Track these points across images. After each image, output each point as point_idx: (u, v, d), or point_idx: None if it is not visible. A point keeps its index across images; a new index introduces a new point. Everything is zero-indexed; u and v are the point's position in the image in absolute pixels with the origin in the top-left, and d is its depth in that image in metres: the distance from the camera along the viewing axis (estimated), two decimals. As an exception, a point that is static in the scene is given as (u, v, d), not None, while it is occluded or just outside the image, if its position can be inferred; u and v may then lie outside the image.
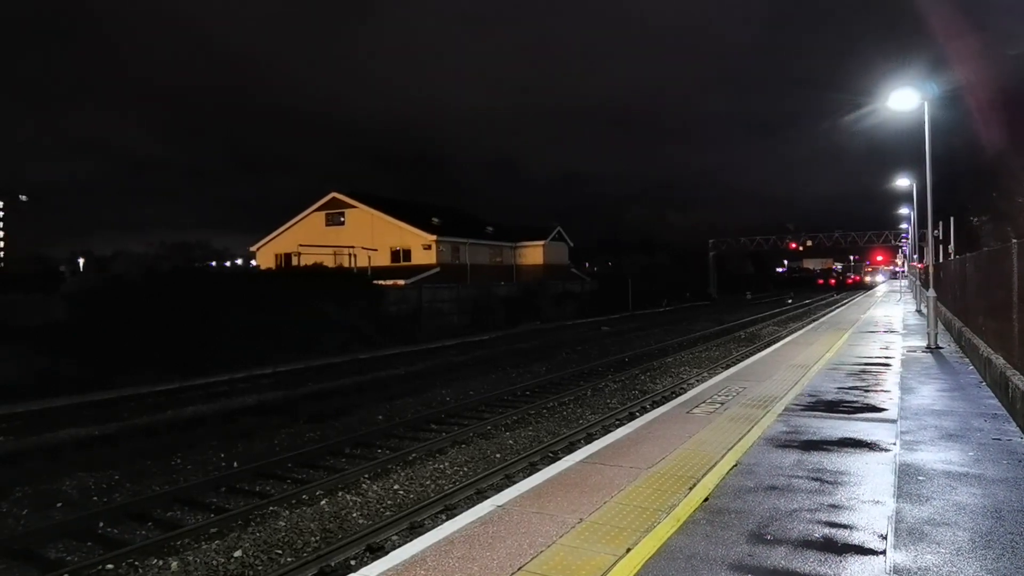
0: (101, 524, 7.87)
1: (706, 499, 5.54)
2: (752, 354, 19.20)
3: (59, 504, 8.73)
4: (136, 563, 6.74)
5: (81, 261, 77.90)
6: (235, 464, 10.33)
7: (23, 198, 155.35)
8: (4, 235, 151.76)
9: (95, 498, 8.96)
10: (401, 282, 35.97)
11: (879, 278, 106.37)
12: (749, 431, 7.85)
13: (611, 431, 9.31)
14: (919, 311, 28.31)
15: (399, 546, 5.24)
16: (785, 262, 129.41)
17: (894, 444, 7.14)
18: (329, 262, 35.74)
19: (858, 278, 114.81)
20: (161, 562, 6.76)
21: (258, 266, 46.76)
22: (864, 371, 12.56)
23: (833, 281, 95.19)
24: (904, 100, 15.46)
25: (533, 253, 53.94)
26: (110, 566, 6.65)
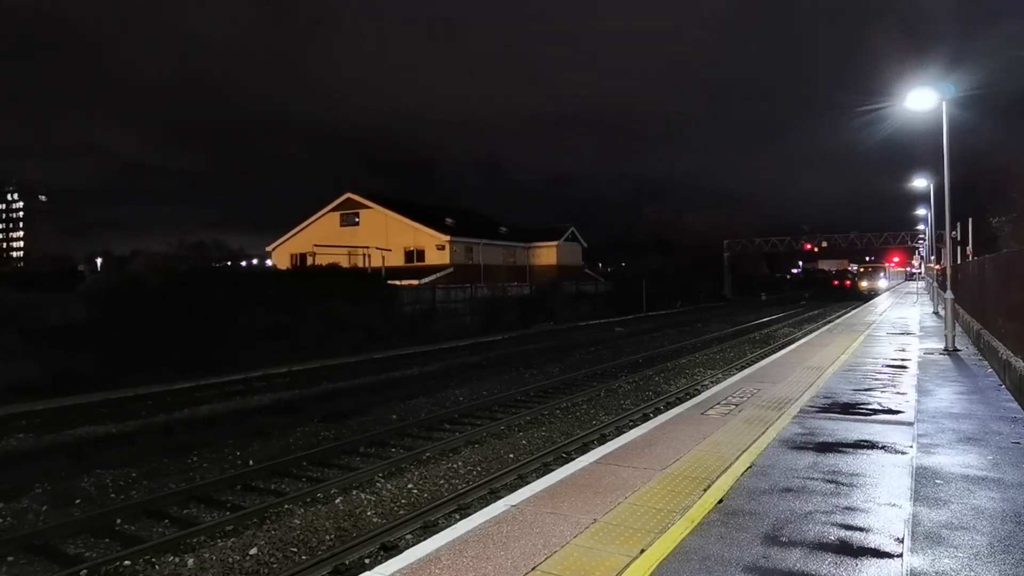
0: (119, 521, 7.96)
1: (720, 500, 5.52)
2: (767, 355, 19.08)
3: (77, 501, 8.85)
4: (153, 560, 6.81)
5: (99, 261, 78.70)
6: (250, 462, 10.41)
7: (43, 198, 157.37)
8: (24, 234, 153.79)
9: (113, 495, 9.07)
10: (415, 282, 36.09)
11: (881, 283, 72.90)
12: (764, 433, 7.81)
13: (625, 432, 9.30)
14: (936, 313, 28.00)
15: (413, 545, 5.26)
16: (800, 263, 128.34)
17: (911, 447, 7.08)
18: (344, 262, 35.93)
19: (848, 283, 79.50)
20: (178, 559, 6.83)
21: (274, 266, 47.09)
22: (880, 373, 12.45)
23: (848, 283, 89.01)
24: (922, 100, 15.31)
25: (546, 253, 53.92)
26: (127, 562, 6.73)
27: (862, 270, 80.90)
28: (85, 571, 6.53)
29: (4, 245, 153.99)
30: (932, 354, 15.04)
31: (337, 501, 8.37)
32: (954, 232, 23.21)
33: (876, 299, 50.20)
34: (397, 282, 32.64)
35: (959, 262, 24.44)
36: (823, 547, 4.57)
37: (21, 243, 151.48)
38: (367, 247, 41.12)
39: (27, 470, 9.98)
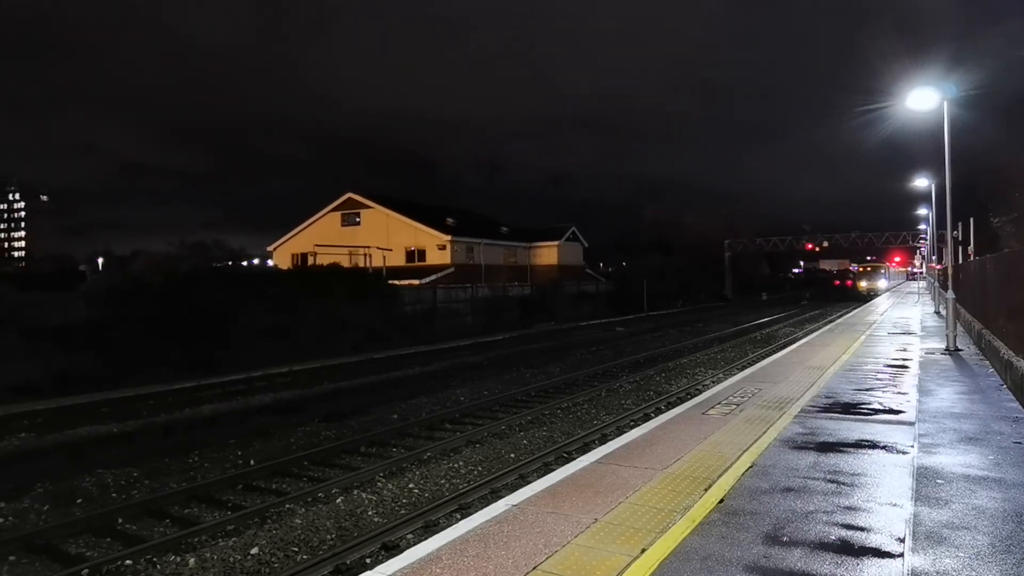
0: (120, 520, 7.97)
1: (721, 500, 5.52)
2: (768, 355, 19.08)
3: (79, 500, 8.86)
4: (154, 559, 6.82)
5: (100, 260, 78.78)
6: (252, 462, 10.42)
7: (44, 198, 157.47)
8: (26, 234, 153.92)
9: (114, 495, 9.08)
10: (416, 282, 36.10)
11: (881, 283, 68.05)
12: (765, 432, 7.81)
13: (626, 432, 9.30)
14: (937, 313, 27.99)
15: (414, 544, 5.26)
16: (801, 263, 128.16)
17: (912, 447, 7.07)
18: (345, 262, 35.93)
19: (850, 283, 73.36)
20: (179, 559, 6.83)
21: (275, 266, 47.11)
22: (881, 373, 12.44)
23: (850, 283, 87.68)
24: (923, 99, 15.29)
25: (547, 253, 53.89)
26: (129, 562, 6.73)
27: (861, 269, 75.48)
28: (87, 570, 6.54)
29: (6, 245, 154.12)
30: (933, 354, 15.02)
31: (338, 501, 8.38)
32: (955, 232, 23.17)
33: (876, 299, 49.65)
34: (398, 282, 32.65)
35: (960, 262, 24.43)
36: (824, 547, 4.57)
37: (23, 243, 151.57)
38: (368, 247, 41.14)
39: (29, 470, 9.99)
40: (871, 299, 51.09)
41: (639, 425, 9.31)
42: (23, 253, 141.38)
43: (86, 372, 17.38)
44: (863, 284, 68.66)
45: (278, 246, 50.11)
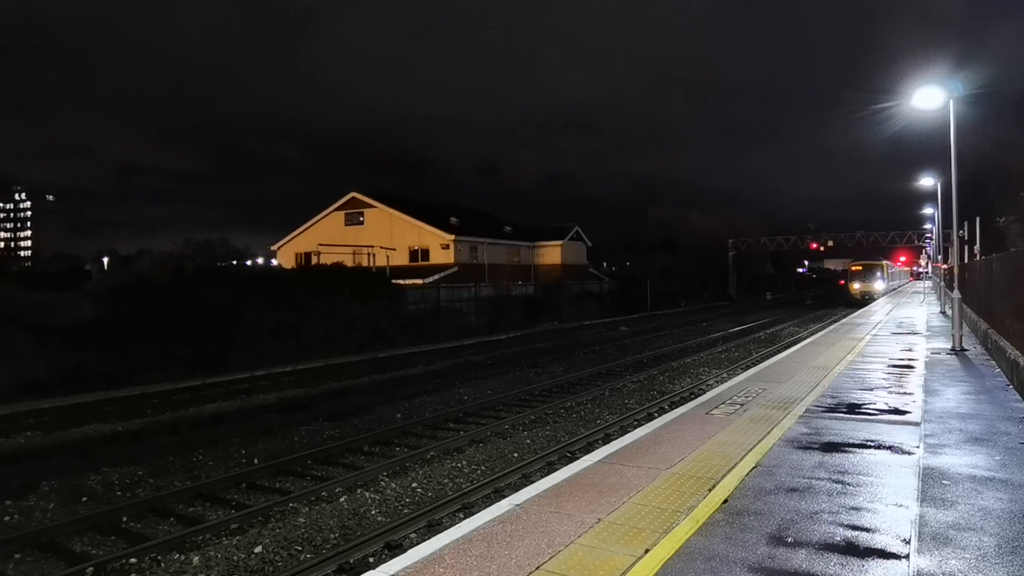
0: (125, 518, 7.99)
1: (726, 500, 5.50)
2: (772, 355, 19.02)
3: (84, 498, 8.88)
4: (159, 557, 6.83)
5: (106, 260, 79.00)
6: (256, 461, 10.43)
7: (50, 198, 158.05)
8: (32, 234, 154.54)
9: (119, 493, 9.10)
10: (420, 281, 36.10)
11: (878, 285, 57.11)
12: (769, 432, 7.78)
13: (629, 431, 9.28)
14: (943, 312, 27.87)
15: (417, 544, 5.25)
16: (806, 262, 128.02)
17: (917, 447, 7.04)
18: (348, 261, 35.96)
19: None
20: (183, 557, 6.85)
21: (280, 265, 47.17)
22: (887, 373, 12.40)
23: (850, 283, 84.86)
24: (929, 98, 15.21)
25: (551, 253, 53.86)
26: (133, 560, 6.75)
27: (854, 268, 62.10)
28: (91, 568, 6.56)
29: (12, 245, 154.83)
30: (939, 354, 14.96)
31: (342, 500, 8.38)
32: (961, 231, 23.10)
33: (876, 302, 45.16)
34: (402, 281, 32.65)
35: (966, 261, 24.31)
36: (829, 547, 4.55)
37: (29, 242, 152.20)
38: (372, 246, 41.20)
39: (35, 467, 10.04)
40: (866, 303, 45.05)
41: (643, 425, 9.30)
42: (30, 252, 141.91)
43: (92, 370, 17.45)
44: (856, 286, 58.72)
45: (282, 245, 50.20)
